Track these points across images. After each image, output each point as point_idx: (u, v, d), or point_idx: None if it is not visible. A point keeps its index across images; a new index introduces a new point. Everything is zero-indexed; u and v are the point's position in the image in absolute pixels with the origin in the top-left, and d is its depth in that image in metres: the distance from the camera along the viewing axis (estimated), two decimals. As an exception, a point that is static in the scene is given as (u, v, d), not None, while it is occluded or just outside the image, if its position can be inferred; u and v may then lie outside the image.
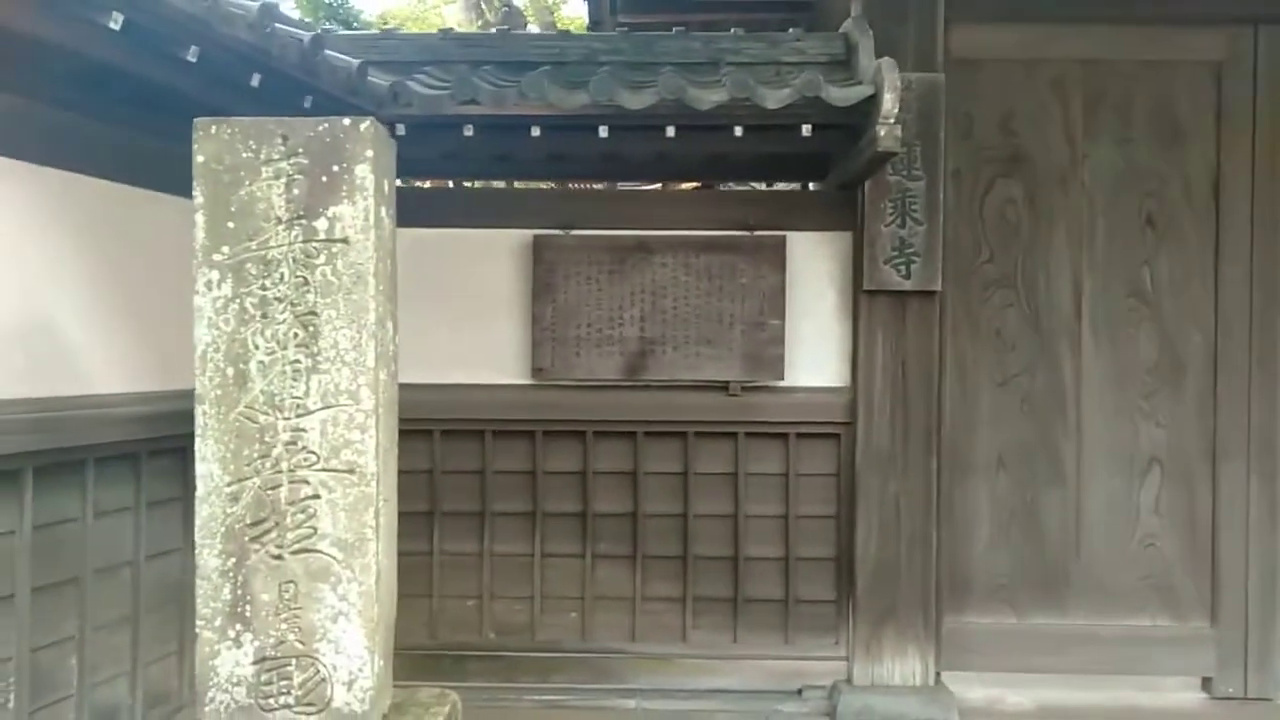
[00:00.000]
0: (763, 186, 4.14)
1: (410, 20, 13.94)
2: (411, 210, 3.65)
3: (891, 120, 3.01)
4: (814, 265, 3.67)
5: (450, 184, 4.27)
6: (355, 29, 9.75)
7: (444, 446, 3.66)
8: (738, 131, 3.26)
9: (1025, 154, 3.75)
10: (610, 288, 3.63)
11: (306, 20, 3.12)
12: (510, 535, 3.66)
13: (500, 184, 3.90)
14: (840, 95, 3.09)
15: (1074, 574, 3.73)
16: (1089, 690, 3.68)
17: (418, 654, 3.62)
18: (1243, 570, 3.68)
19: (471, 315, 3.64)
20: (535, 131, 3.26)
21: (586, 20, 5.25)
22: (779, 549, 3.66)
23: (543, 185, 3.92)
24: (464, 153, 3.51)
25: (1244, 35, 3.69)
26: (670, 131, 3.25)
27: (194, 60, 2.41)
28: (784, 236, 3.63)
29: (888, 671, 3.54)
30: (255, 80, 2.62)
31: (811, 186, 4.18)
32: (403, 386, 3.58)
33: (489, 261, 3.66)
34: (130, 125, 2.74)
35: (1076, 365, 3.73)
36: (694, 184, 4.19)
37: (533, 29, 4.04)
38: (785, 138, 3.37)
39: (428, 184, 4.01)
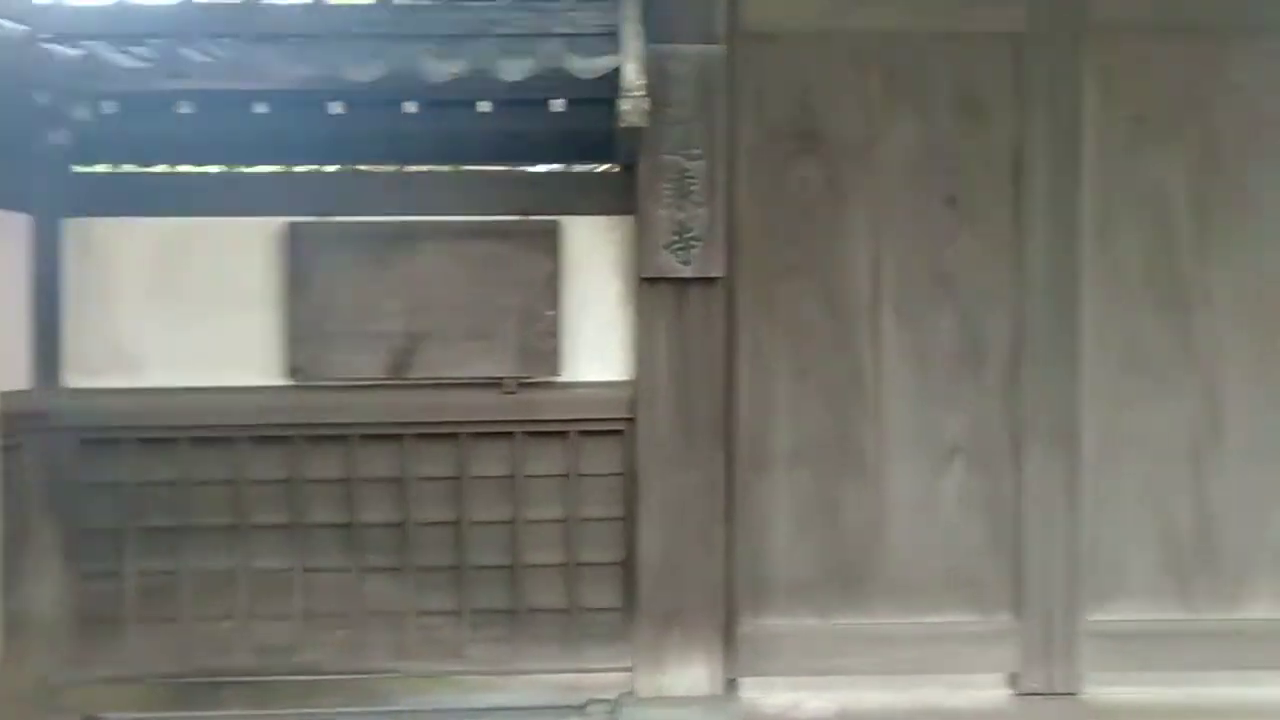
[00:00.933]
0: (541, 169, 3.88)
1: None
2: (152, 199, 3.38)
3: (635, 93, 2.79)
4: (594, 252, 3.44)
5: (197, 170, 3.92)
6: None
7: (193, 455, 3.35)
8: (485, 107, 3.01)
9: (823, 131, 3.55)
10: (372, 279, 3.35)
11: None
12: (269, 549, 3.37)
13: (249, 169, 3.59)
14: (584, 67, 2.86)
15: (877, 570, 3.57)
16: (894, 691, 3.53)
17: (168, 682, 3.33)
18: (1046, 562, 3.55)
19: (221, 312, 3.34)
20: (262, 108, 2.97)
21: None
22: (562, 555, 3.43)
23: (299, 169, 3.62)
24: (202, 134, 3.20)
25: (1042, 7, 3.53)
26: (412, 108, 2.99)
27: None
28: (559, 222, 3.40)
29: (673, 681, 3.34)
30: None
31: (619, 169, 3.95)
32: (146, 391, 3.34)
33: (240, 252, 3.35)
34: None
35: (877, 351, 3.56)
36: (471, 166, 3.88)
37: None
38: (553, 115, 3.14)
39: (172, 169, 3.67)
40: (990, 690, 3.58)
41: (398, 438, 3.38)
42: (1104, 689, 3.57)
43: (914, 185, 3.56)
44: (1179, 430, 3.58)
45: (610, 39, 3.18)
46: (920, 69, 3.55)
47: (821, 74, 3.55)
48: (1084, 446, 3.55)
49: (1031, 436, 3.54)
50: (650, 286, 3.34)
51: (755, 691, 3.51)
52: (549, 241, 3.37)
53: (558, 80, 2.91)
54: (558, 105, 2.99)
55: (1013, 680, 3.57)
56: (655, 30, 3.24)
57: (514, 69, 2.86)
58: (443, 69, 2.85)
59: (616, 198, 3.44)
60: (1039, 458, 3.55)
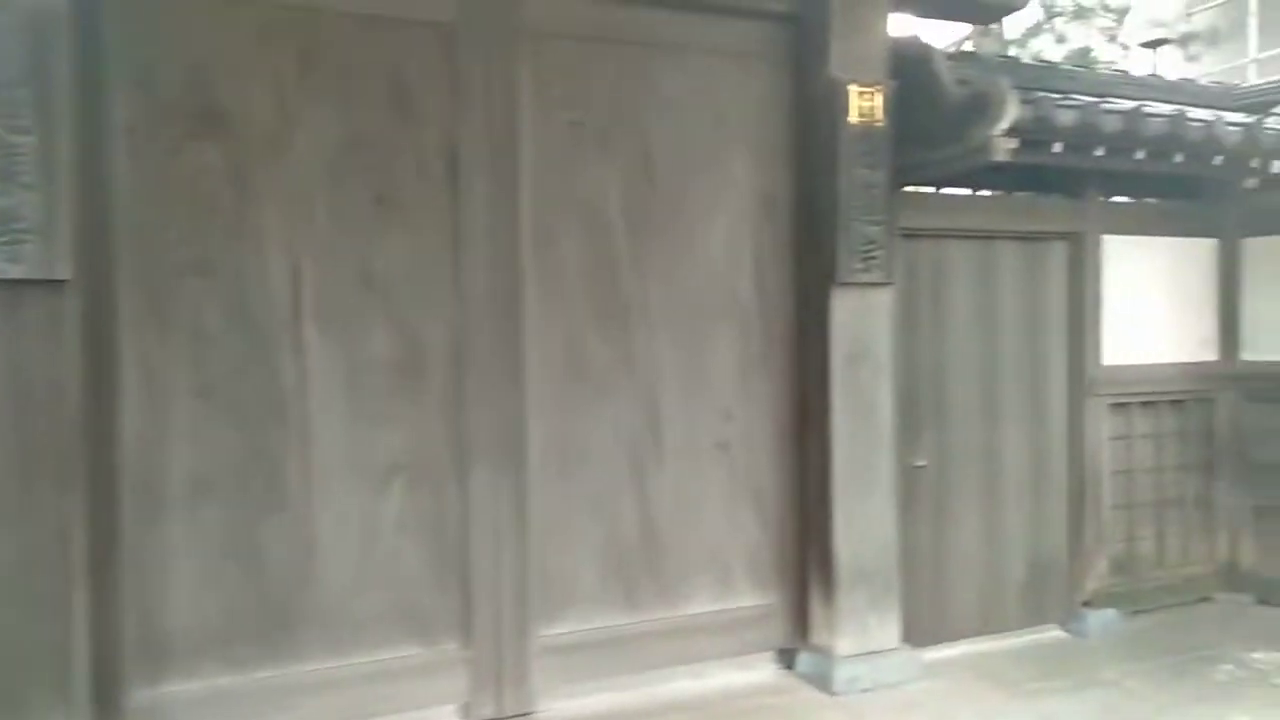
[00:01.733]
0: None
1: None
2: None
3: None
4: (-115, 246, 2.65)
5: None
6: None
7: None
8: None
9: (226, 113, 3.08)
10: None
11: None
12: None
13: None
14: None
15: (308, 611, 3.17)
16: (328, 745, 3.16)
17: None
18: (495, 582, 3.38)
19: None
20: None
21: None
22: None
23: None
24: None
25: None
26: None
27: None
28: None
29: (2, 793, 2.66)
30: None
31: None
32: None
33: None
34: None
35: (300, 365, 3.16)
36: None
37: None
38: None
39: None
40: (440, 725, 3.35)
41: None
42: (559, 703, 3.49)
43: (338, 181, 3.22)
44: (621, 439, 3.59)
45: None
46: (342, 53, 3.22)
47: (222, 48, 3.08)
48: (530, 460, 3.44)
49: (476, 452, 3.36)
50: (-37, 291, 2.64)
51: (141, 777, 2.94)
52: None
53: None
54: None
55: (465, 710, 3.37)
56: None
57: None
58: None
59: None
60: (485, 473, 3.37)
